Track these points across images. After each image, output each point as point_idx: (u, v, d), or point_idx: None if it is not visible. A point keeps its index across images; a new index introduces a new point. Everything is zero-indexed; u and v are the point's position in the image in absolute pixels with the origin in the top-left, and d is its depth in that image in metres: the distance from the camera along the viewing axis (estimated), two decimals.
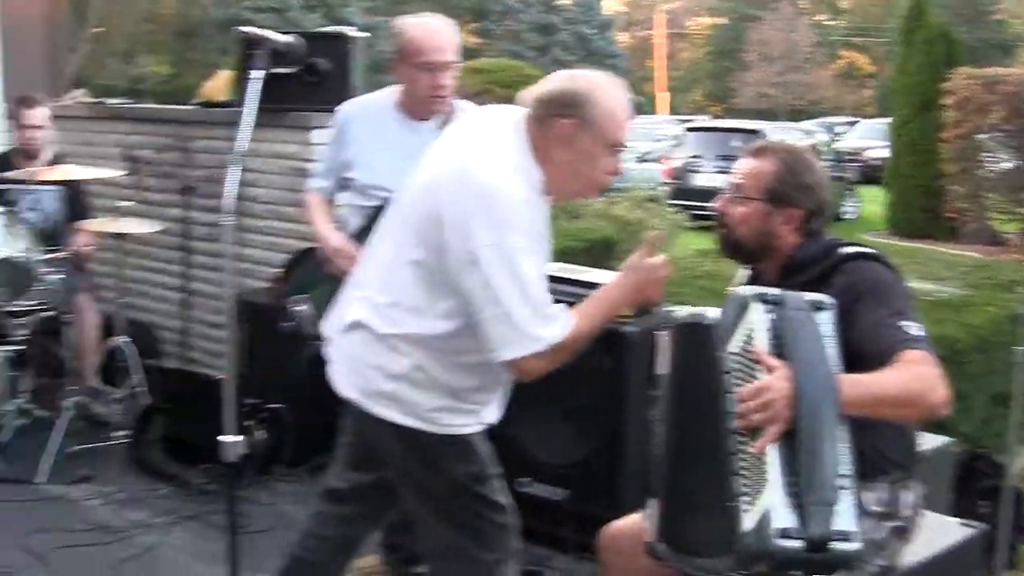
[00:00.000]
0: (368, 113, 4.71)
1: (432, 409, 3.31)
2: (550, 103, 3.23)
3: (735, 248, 3.34)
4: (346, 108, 4.83)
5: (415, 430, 3.32)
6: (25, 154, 6.88)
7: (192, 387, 6.18)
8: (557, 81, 3.28)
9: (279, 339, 5.29)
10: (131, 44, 29.45)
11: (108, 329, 6.77)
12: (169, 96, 20.44)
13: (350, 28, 6.73)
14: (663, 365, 3.16)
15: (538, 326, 3.12)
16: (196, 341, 7.31)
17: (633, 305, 3.35)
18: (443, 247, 3.17)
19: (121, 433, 6.36)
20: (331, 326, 3.56)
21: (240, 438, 3.48)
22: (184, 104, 8.08)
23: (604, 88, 3.23)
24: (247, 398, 5.79)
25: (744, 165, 3.31)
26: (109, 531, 5.42)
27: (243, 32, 3.85)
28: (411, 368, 3.28)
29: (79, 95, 8.23)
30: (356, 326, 3.39)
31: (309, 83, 6.30)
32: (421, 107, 4.56)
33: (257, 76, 3.62)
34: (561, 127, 3.20)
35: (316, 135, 6.42)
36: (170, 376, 6.47)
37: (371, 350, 3.34)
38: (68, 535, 5.34)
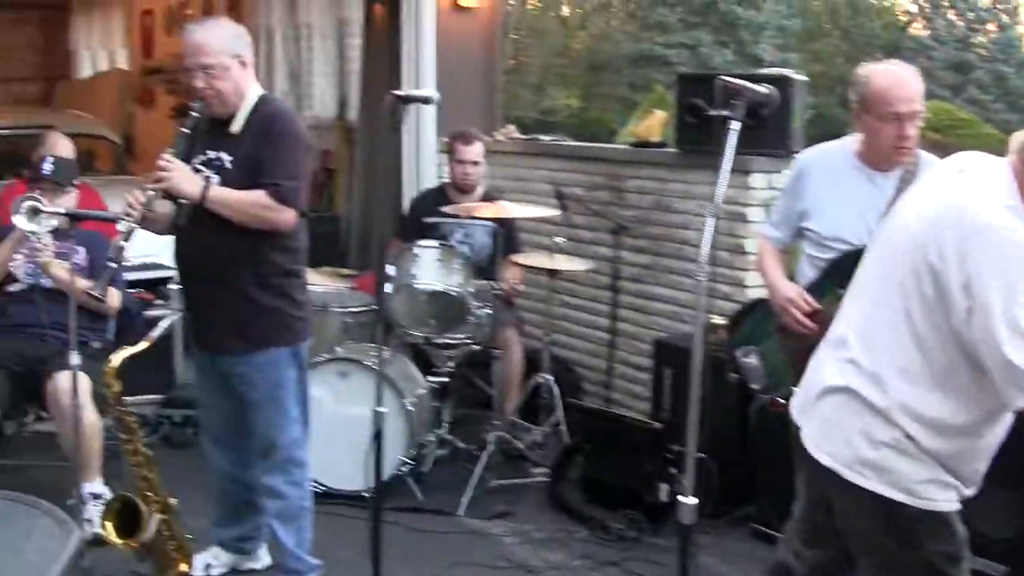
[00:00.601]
0: (827, 162, 4.55)
1: (919, 481, 3.11)
2: None
3: None
4: (804, 156, 4.71)
5: (896, 502, 3.13)
6: (459, 189, 6.99)
7: (615, 429, 6.07)
8: None
9: (711, 387, 5.14)
10: (543, 77, 30.09)
11: (532, 365, 6.79)
12: (579, 129, 20.72)
13: (791, 70, 6.53)
14: None
15: None
16: (617, 382, 7.22)
17: None
18: (937, 296, 2.98)
19: (540, 471, 6.35)
20: (804, 389, 3.38)
21: (695, 501, 3.29)
22: (599, 139, 8.07)
23: None
24: (671, 444, 5.68)
25: None
26: (527, 570, 5.41)
27: (722, 81, 3.72)
28: (901, 436, 3.09)
29: (511, 131, 8.32)
30: (837, 390, 3.22)
31: (748, 126, 6.11)
32: (884, 158, 4.35)
33: (735, 127, 3.47)
34: None
35: (754, 179, 6.27)
36: (593, 416, 6.38)
37: (855, 415, 3.16)
38: (487, 571, 5.36)
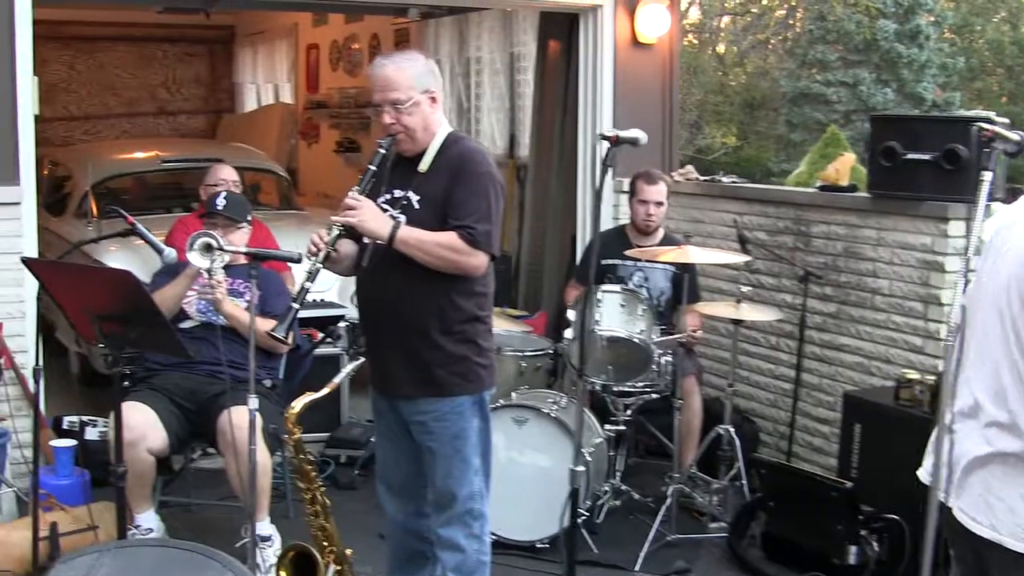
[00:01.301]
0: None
1: None
2: None
3: None
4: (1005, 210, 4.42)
5: None
6: (640, 230, 6.79)
7: (802, 486, 5.82)
8: None
9: (905, 445, 4.87)
10: (699, 115, 29.82)
11: (710, 415, 6.54)
12: (734, 168, 20.43)
13: (990, 112, 6.22)
14: None
15: None
16: (800, 435, 6.94)
17: None
18: None
19: (719, 526, 6.12)
20: (943, 468, 3.15)
21: None
22: (755, 178, 7.82)
23: None
24: (861, 504, 5.42)
25: None
26: None
27: (979, 128, 3.46)
28: None
29: (689, 171, 8.08)
30: (986, 459, 3.00)
31: (946, 170, 5.84)
32: None
33: (987, 176, 3.21)
34: None
35: (952, 227, 5.94)
36: (778, 471, 6.09)
37: (1012, 479, 2.95)
38: None
